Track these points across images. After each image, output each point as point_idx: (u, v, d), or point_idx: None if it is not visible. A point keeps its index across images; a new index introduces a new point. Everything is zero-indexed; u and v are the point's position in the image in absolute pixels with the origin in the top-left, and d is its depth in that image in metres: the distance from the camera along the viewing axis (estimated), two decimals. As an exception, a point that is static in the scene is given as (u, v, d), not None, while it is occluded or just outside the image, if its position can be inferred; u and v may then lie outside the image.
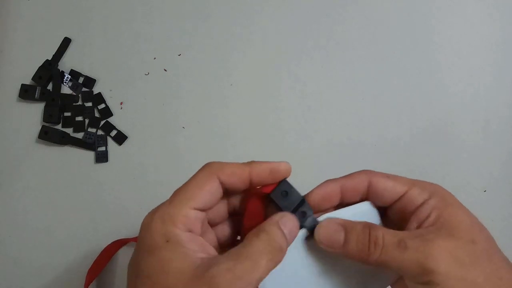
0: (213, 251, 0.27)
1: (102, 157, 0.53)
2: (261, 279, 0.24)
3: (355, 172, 0.30)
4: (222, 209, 0.30)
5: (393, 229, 0.27)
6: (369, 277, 0.29)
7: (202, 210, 0.27)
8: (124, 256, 0.51)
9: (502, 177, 0.53)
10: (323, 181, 0.30)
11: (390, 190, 0.28)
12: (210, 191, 0.27)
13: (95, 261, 0.50)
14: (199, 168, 0.28)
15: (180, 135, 0.54)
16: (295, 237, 0.27)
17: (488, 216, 0.52)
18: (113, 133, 0.54)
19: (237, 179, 0.28)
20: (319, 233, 0.28)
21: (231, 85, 0.55)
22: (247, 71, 0.56)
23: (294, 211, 0.28)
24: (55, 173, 0.53)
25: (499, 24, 0.57)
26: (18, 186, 0.53)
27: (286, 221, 0.27)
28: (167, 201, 0.27)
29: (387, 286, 0.30)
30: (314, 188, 0.29)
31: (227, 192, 0.29)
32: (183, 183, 0.28)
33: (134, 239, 0.51)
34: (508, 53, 0.56)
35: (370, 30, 0.56)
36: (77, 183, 0.53)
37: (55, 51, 0.56)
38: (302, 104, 0.55)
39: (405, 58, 0.56)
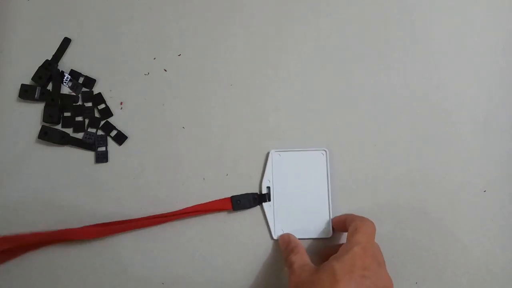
0: None
1: (102, 157, 0.53)
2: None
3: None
4: None
5: None
6: None
7: None
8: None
9: (502, 177, 0.53)
10: None
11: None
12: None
13: None
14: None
15: (180, 135, 0.54)
16: None
17: (488, 216, 0.52)
18: (113, 133, 0.54)
19: None
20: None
21: (231, 85, 0.55)
22: (247, 71, 0.56)
23: None
24: (55, 173, 0.53)
25: (500, 24, 0.57)
26: (18, 186, 0.53)
27: None
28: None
29: None
30: None
31: None
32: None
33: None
34: (508, 53, 0.56)
35: (370, 29, 0.56)
36: (77, 183, 0.53)
37: (55, 51, 0.56)
38: (302, 105, 0.55)
39: (405, 57, 0.56)
